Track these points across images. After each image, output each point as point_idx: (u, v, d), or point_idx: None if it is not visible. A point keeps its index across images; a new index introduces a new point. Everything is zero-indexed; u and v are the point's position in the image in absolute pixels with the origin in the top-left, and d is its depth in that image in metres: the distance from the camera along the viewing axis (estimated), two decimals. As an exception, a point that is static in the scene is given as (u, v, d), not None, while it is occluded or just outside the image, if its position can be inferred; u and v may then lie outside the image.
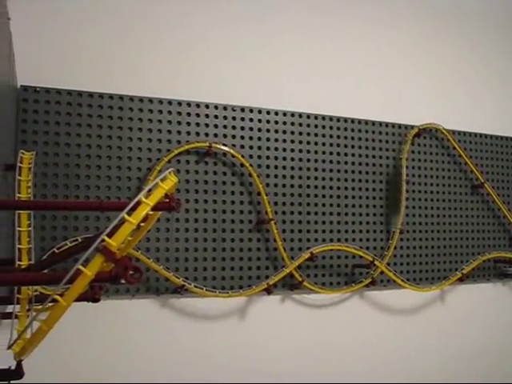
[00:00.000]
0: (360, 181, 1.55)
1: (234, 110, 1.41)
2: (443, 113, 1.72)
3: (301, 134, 1.48)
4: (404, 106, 1.68)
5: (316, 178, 1.49)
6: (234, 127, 1.40)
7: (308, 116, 1.50)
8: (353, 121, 1.55)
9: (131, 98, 1.30)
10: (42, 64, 1.24)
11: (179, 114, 1.35)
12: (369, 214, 1.56)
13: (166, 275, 1.27)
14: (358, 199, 1.54)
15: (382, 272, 1.52)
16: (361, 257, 1.50)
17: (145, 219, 0.57)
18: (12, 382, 0.56)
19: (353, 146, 1.55)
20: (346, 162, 1.53)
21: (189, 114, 1.36)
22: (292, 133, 1.47)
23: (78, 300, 0.48)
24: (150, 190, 0.53)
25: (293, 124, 1.47)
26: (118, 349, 1.27)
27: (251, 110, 1.43)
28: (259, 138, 1.43)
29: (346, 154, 1.54)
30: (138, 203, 0.51)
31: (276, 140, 1.45)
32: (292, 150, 1.47)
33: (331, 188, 1.51)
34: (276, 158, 1.44)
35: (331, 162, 1.51)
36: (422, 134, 1.65)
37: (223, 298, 1.33)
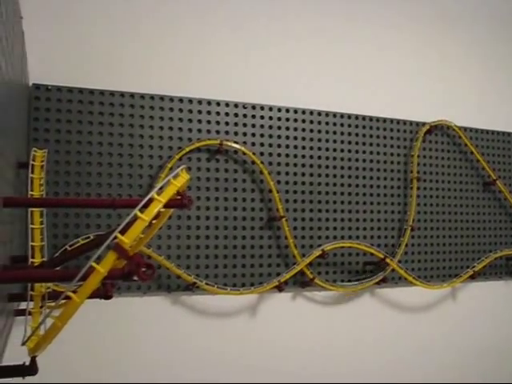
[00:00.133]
0: (371, 178, 1.54)
1: (245, 108, 1.41)
2: (455, 110, 1.71)
3: (312, 131, 1.48)
4: (415, 103, 1.68)
5: (327, 176, 1.49)
6: (245, 124, 1.40)
7: (319, 113, 1.49)
8: (364, 118, 1.55)
9: (142, 95, 1.30)
10: (53, 62, 1.25)
11: (190, 111, 1.35)
12: (380, 211, 1.55)
13: (177, 272, 1.28)
14: (369, 196, 1.54)
15: (393, 269, 1.52)
16: (372, 254, 1.49)
17: (156, 216, 0.57)
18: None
19: (364, 143, 1.55)
20: (357, 160, 1.53)
21: (200, 112, 1.36)
22: (303, 130, 1.47)
23: (90, 297, 0.48)
24: (161, 188, 0.53)
25: (304, 121, 1.47)
26: (130, 346, 1.28)
27: (262, 108, 1.43)
28: (270, 136, 1.43)
29: (357, 152, 1.53)
30: (151, 200, 0.51)
31: (287, 137, 1.45)
32: (303, 148, 1.46)
33: (342, 185, 1.50)
34: (287, 156, 1.44)
35: (342, 159, 1.51)
36: (434, 130, 1.64)
37: (234, 295, 1.33)
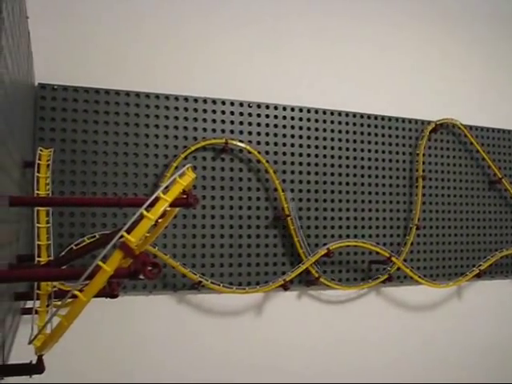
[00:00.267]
0: (376, 177, 1.54)
1: (251, 107, 1.41)
2: (457, 108, 1.70)
3: (317, 129, 1.48)
4: (420, 101, 1.67)
5: (332, 174, 1.49)
6: (250, 123, 1.40)
7: (324, 112, 1.49)
8: (369, 116, 1.55)
9: (147, 94, 1.30)
10: (59, 62, 1.25)
11: (195, 110, 1.35)
12: (385, 209, 1.55)
13: (183, 271, 1.28)
14: (374, 195, 1.54)
15: (398, 268, 1.52)
16: (377, 253, 1.49)
17: (162, 215, 0.57)
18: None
19: (369, 142, 1.54)
20: (362, 158, 1.53)
21: (205, 111, 1.36)
22: (308, 129, 1.47)
23: (96, 296, 0.48)
24: (167, 187, 0.53)
25: (309, 120, 1.47)
26: (135, 344, 1.28)
27: (267, 107, 1.43)
28: (275, 134, 1.43)
29: (362, 150, 1.53)
30: (157, 199, 0.51)
31: (292, 136, 1.45)
32: (308, 146, 1.46)
33: (347, 184, 1.50)
34: (292, 154, 1.44)
35: (347, 157, 1.51)
36: (439, 129, 1.64)
37: (240, 294, 1.33)
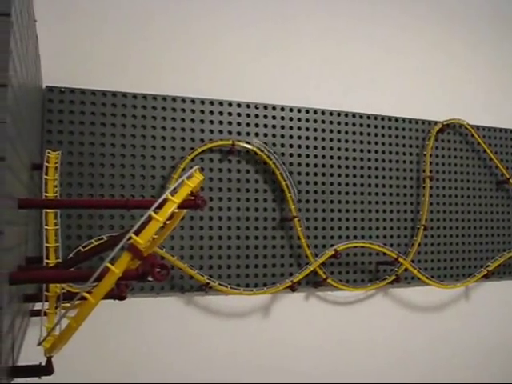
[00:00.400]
0: (384, 177, 1.54)
1: (257, 108, 1.41)
2: (463, 108, 1.70)
3: (324, 131, 1.48)
4: (427, 102, 1.67)
5: (340, 175, 1.48)
6: (257, 125, 1.40)
7: (331, 113, 1.49)
8: (376, 117, 1.55)
9: (154, 96, 1.30)
10: (66, 64, 1.25)
11: (202, 112, 1.35)
12: (393, 210, 1.55)
13: (190, 273, 1.28)
14: (381, 196, 1.53)
15: (406, 269, 1.51)
16: (385, 254, 1.49)
17: (170, 217, 0.57)
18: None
19: (376, 143, 1.54)
20: (369, 159, 1.53)
21: (212, 112, 1.36)
22: (315, 130, 1.47)
23: (104, 298, 0.49)
24: (175, 188, 0.53)
25: (316, 121, 1.47)
26: (143, 346, 1.28)
27: (274, 108, 1.43)
28: (282, 136, 1.43)
29: (369, 151, 1.53)
30: (165, 201, 0.51)
31: (299, 137, 1.45)
32: (315, 147, 1.46)
33: (355, 185, 1.50)
34: (299, 156, 1.44)
35: (355, 158, 1.51)
36: (446, 129, 1.63)
37: (247, 295, 1.33)
